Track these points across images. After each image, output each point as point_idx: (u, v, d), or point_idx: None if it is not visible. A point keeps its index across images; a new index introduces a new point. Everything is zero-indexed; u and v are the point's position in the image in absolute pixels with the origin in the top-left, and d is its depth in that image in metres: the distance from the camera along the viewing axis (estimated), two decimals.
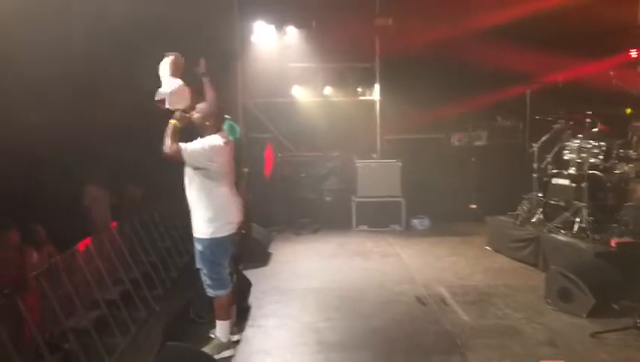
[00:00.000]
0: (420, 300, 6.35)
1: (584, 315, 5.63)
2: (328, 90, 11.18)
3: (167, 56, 4.86)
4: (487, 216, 9.08)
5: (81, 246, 6.06)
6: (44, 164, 6.57)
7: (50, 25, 6.26)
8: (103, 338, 5.25)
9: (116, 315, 5.72)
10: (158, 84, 4.80)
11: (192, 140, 4.73)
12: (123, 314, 5.79)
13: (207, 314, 5.34)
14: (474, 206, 10.75)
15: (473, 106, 10.85)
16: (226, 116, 5.40)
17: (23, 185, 6.26)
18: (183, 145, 4.57)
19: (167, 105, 4.71)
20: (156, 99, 4.72)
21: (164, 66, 4.83)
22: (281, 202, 10.46)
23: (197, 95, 5.02)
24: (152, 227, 7.79)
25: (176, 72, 4.82)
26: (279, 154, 10.87)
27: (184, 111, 4.78)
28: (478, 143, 11.15)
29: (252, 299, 6.31)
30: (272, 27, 10.80)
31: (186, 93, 4.83)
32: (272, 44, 10.91)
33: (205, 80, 5.18)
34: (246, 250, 6.52)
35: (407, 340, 5.30)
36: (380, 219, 10.28)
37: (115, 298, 5.97)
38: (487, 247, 8.68)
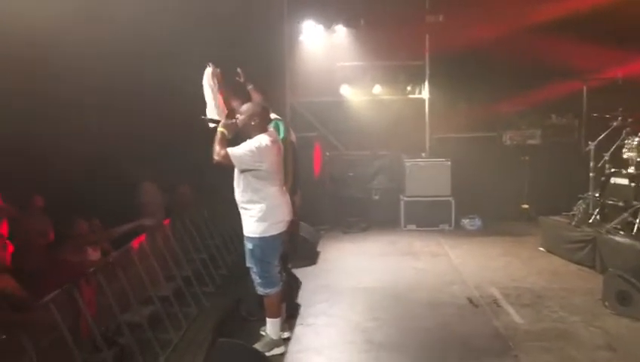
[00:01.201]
0: (471, 301, 6.23)
1: None
2: (377, 89, 11.13)
3: (209, 66, 5.02)
4: (541, 217, 8.85)
5: (135, 243, 6.19)
6: (100, 164, 6.77)
7: (101, 31, 6.43)
8: (156, 334, 5.35)
9: (169, 311, 5.83)
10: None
11: (239, 141, 4.78)
12: (175, 310, 5.89)
13: (258, 311, 5.38)
14: (526, 206, 10.51)
15: (526, 104, 10.63)
16: (275, 116, 5.43)
17: (80, 183, 6.46)
18: (231, 150, 4.62)
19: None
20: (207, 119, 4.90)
21: (206, 77, 4.99)
22: (329, 201, 10.47)
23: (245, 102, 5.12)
24: (203, 225, 7.90)
25: (214, 82, 4.98)
26: (327, 153, 10.88)
27: (229, 117, 4.85)
28: (531, 142, 10.91)
29: (301, 298, 6.33)
30: (321, 26, 10.81)
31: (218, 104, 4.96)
32: (321, 44, 10.93)
33: (249, 86, 5.29)
34: (295, 248, 6.54)
35: (459, 341, 5.20)
36: (430, 218, 10.17)
37: (168, 294, 6.08)
38: (541, 248, 8.46)
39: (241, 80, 5.38)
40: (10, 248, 5.22)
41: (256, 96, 5.28)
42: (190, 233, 7.41)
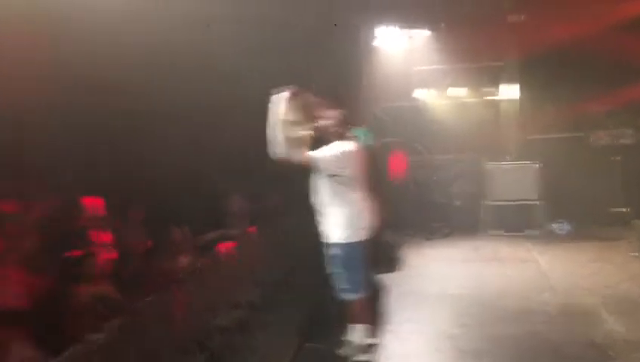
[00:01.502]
0: (562, 309, 6.00)
1: None
2: (458, 91, 10.98)
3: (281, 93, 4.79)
4: (635, 220, 8.41)
5: (224, 249, 6.41)
6: (192, 175, 7.06)
7: (190, 46, 6.69)
8: (244, 338, 5.49)
9: (256, 316, 5.97)
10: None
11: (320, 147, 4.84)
12: (262, 314, 6.03)
13: (343, 317, 5.41)
14: (620, 209, 10.01)
15: (617, 103, 10.14)
16: (357, 124, 5.47)
17: (173, 193, 6.76)
18: (313, 154, 4.70)
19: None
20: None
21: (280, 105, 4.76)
22: (412, 206, 10.39)
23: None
24: (289, 231, 8.05)
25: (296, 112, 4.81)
26: (409, 159, 10.81)
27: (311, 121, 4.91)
28: (623, 141, 10.39)
29: (386, 304, 6.31)
30: (399, 30, 10.78)
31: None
32: (399, 47, 10.89)
33: (325, 100, 5.31)
34: (379, 254, 6.54)
35: (550, 350, 5.02)
36: (515, 223, 9.91)
37: (256, 299, 6.25)
38: (635, 253, 8.02)
39: (315, 95, 5.39)
40: (113, 255, 5.54)
41: (334, 107, 5.31)
42: (277, 239, 7.57)
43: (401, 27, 10.78)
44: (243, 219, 8.22)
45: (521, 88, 10.74)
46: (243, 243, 6.94)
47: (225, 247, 6.64)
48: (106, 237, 5.75)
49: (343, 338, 5.14)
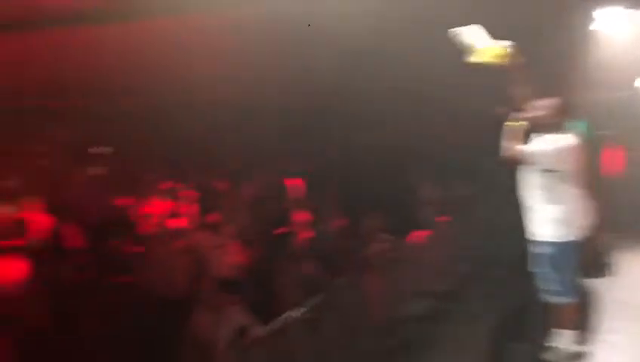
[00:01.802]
0: None
1: None
2: None
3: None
4: None
5: (417, 237, 6.39)
6: (387, 162, 7.18)
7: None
8: (437, 328, 5.43)
9: (447, 307, 5.87)
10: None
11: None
12: (454, 306, 5.92)
13: (547, 320, 5.07)
14: None
15: None
16: (573, 115, 5.03)
17: (370, 180, 6.96)
18: (526, 147, 4.43)
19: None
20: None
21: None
22: (628, 206, 9.39)
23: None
24: (482, 224, 7.79)
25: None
26: (629, 153, 9.79)
27: (520, 111, 4.57)
28: None
29: (595, 311, 5.78)
30: (623, 11, 9.72)
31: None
32: (622, 31, 9.83)
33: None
34: (590, 257, 6.02)
35: None
36: None
37: (447, 290, 6.15)
38: None
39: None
40: (311, 234, 5.82)
41: (549, 97, 4.91)
42: (470, 230, 7.39)
43: (626, 7, 9.67)
44: (436, 207, 8.15)
45: None
46: (435, 233, 6.87)
47: (418, 236, 6.62)
48: (305, 216, 6.08)
49: (547, 343, 4.82)
